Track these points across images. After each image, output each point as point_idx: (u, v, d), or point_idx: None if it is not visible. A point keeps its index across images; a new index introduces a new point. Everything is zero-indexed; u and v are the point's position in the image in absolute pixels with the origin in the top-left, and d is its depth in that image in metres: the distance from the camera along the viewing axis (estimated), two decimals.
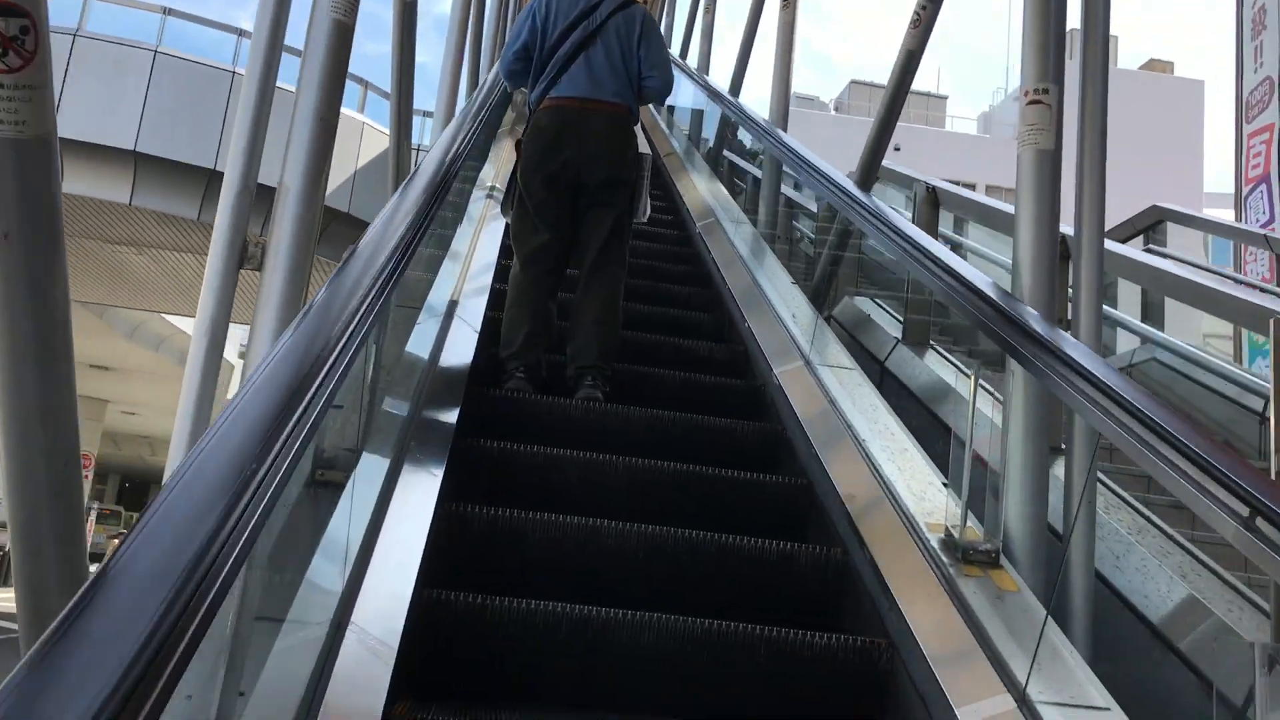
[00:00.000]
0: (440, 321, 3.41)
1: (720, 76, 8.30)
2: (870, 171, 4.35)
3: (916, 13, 4.10)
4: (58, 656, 0.77)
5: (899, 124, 4.59)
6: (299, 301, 2.41)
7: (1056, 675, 1.92)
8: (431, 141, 4.94)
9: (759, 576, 2.58)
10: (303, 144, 2.46)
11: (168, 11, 11.53)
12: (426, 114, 9.13)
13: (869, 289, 4.90)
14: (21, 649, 1.61)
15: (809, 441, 3.00)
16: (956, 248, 5.04)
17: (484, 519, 2.54)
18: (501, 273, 4.10)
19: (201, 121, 10.43)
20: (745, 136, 7.32)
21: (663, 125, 8.98)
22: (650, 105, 9.67)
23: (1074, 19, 2.85)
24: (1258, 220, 13.56)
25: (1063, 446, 2.63)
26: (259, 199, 2.58)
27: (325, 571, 1.91)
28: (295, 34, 2.70)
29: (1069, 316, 2.89)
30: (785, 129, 5.68)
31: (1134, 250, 4.60)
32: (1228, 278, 6.53)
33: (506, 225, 4.51)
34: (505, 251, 4.32)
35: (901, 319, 4.33)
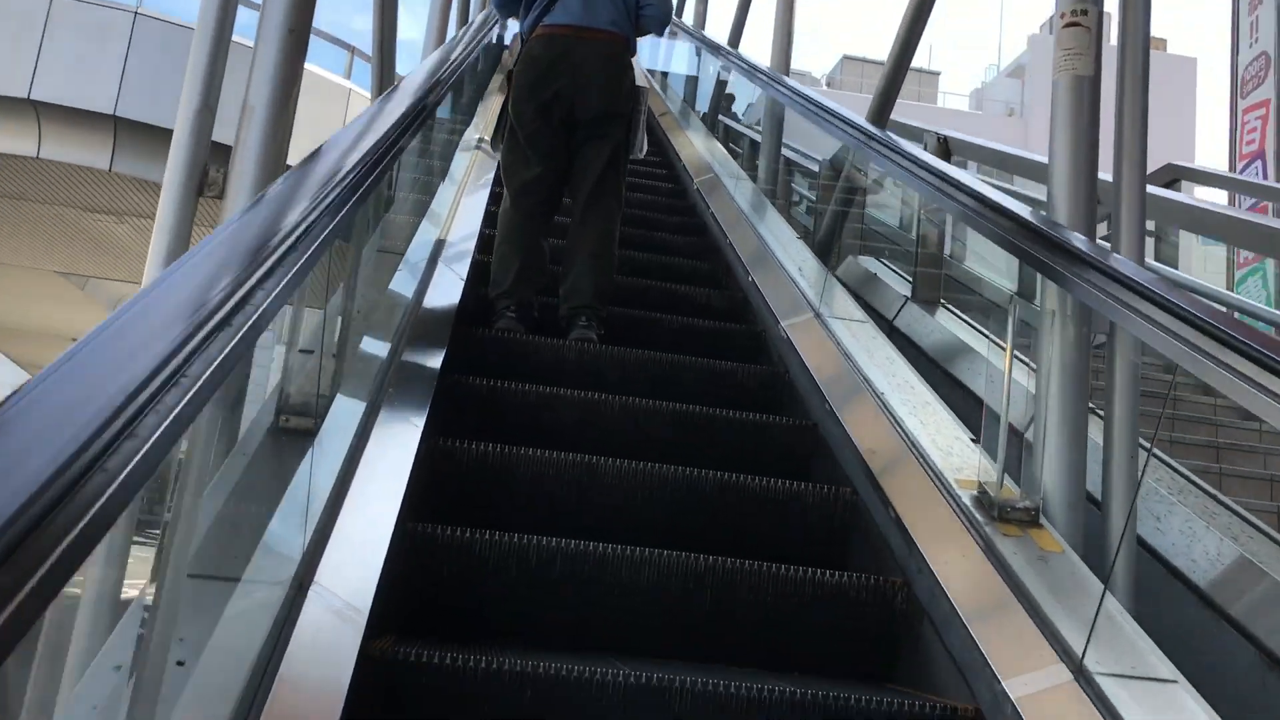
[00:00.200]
0: (425, 263, 3.24)
1: (717, 37, 8.09)
2: (883, 115, 4.17)
3: None
4: None
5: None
6: None
7: (1115, 644, 1.73)
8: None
9: (765, 520, 2.44)
10: (270, 58, 2.22)
11: None
12: None
13: (874, 247, 4.74)
14: None
15: (823, 396, 2.80)
16: None
17: (472, 455, 2.38)
18: (490, 219, 3.94)
19: (183, 85, 10.16)
20: (743, 94, 7.16)
21: (657, 87, 8.79)
22: (644, 68, 9.56)
23: None
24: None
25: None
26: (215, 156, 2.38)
27: (290, 524, 1.74)
28: None
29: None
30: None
31: (1169, 192, 4.47)
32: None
33: (495, 175, 4.37)
34: (494, 200, 4.15)
35: (910, 277, 4.16)
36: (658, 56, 9.91)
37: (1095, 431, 2.33)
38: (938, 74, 28.78)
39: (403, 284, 2.89)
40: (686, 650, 2.08)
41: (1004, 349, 2.33)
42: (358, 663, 1.53)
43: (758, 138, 6.19)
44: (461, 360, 2.92)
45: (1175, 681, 1.67)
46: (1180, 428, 3.77)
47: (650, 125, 6.16)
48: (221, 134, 2.32)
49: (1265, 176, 14.13)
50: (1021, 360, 2.51)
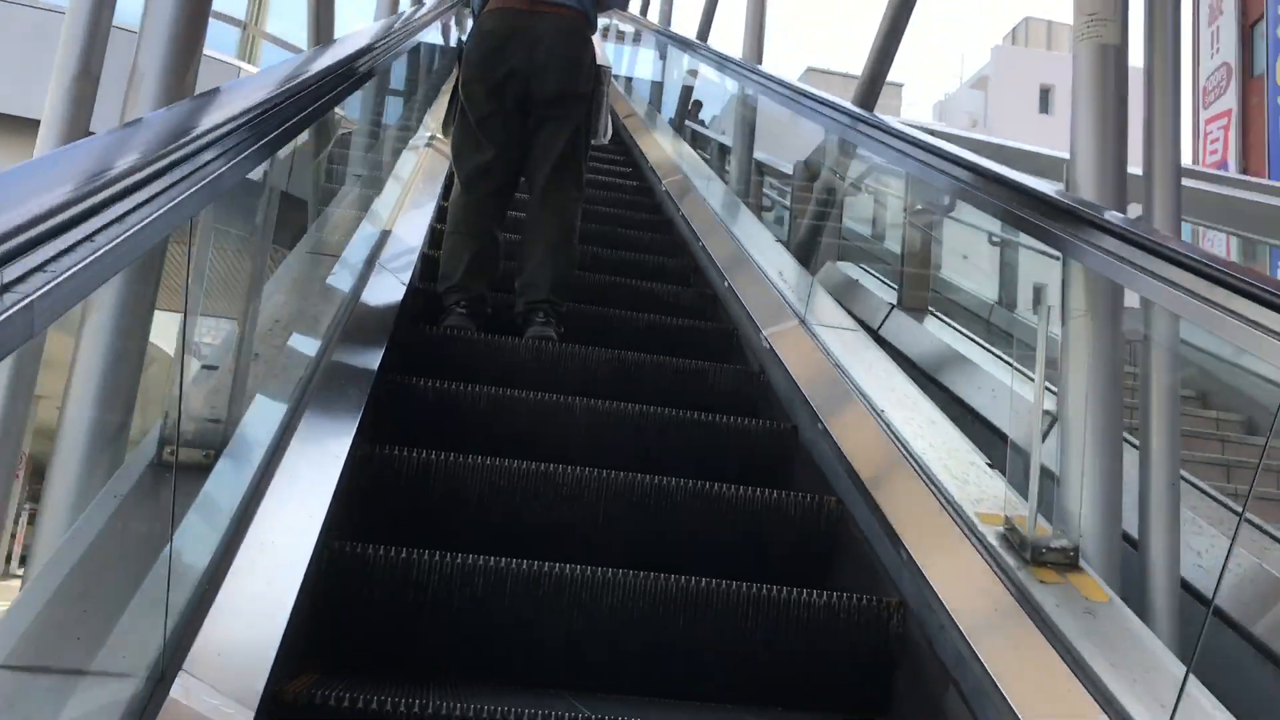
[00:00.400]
0: (365, 258, 2.95)
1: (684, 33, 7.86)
2: (869, 100, 3.94)
3: None
4: None
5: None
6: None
7: None
8: None
9: (743, 537, 2.18)
10: (165, 12, 1.83)
11: None
12: None
13: (854, 252, 4.52)
14: None
15: (815, 414, 2.47)
16: None
17: (412, 464, 2.11)
18: (441, 214, 3.67)
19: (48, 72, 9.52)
20: (711, 98, 6.92)
21: (620, 89, 8.56)
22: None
23: None
24: None
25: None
26: None
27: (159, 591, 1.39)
28: None
29: None
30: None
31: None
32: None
33: (448, 170, 4.10)
34: (446, 194, 3.87)
35: (895, 283, 3.90)
36: (621, 62, 9.70)
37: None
38: (901, 85, 28.86)
39: (338, 280, 2.61)
40: (654, 686, 1.81)
41: (1011, 361, 2.09)
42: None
43: (727, 142, 5.97)
44: (404, 360, 2.64)
45: None
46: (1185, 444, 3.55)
47: (615, 127, 5.88)
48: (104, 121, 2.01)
49: None
50: (1021, 371, 2.29)
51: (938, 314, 3.53)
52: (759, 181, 5.30)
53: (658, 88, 8.16)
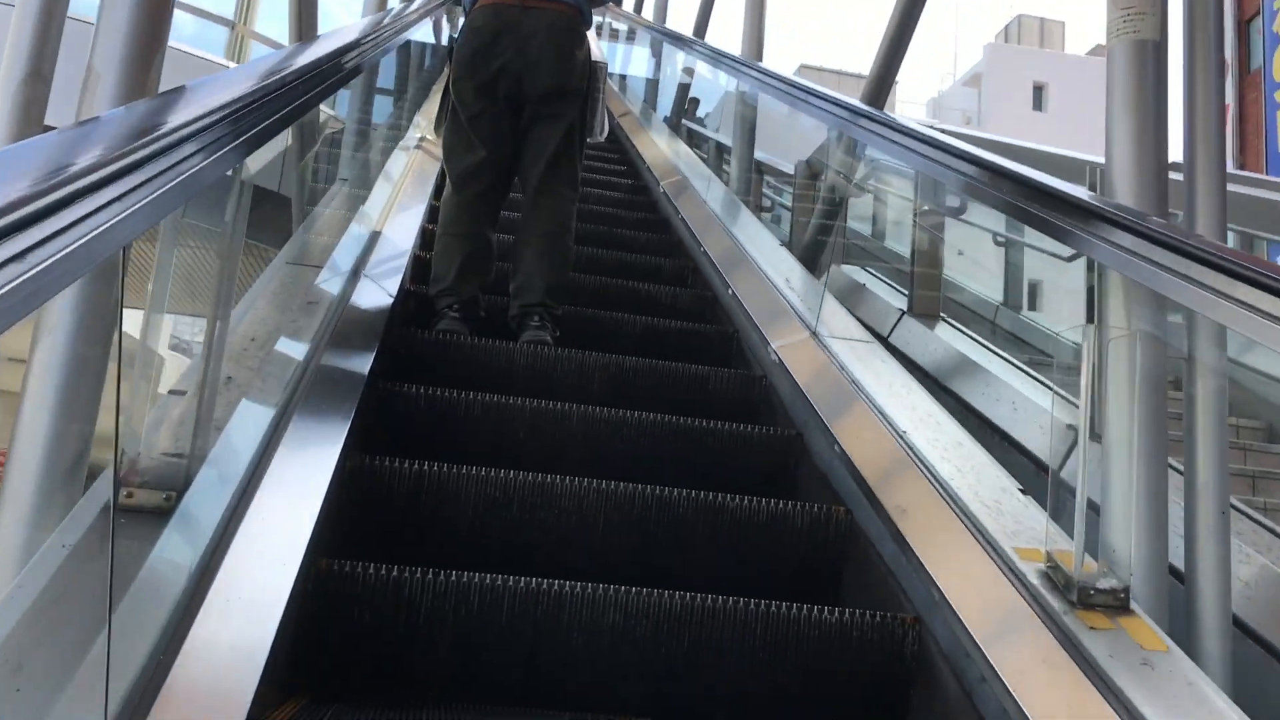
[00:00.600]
0: (354, 260, 2.86)
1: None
2: (878, 99, 3.83)
3: None
4: None
5: None
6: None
7: None
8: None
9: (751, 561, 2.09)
10: (123, 8, 1.70)
11: None
12: None
13: (859, 256, 4.37)
14: None
15: (831, 436, 2.29)
16: None
17: (404, 476, 2.02)
18: (433, 214, 3.57)
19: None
20: (708, 96, 6.82)
21: (615, 88, 8.47)
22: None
23: None
24: None
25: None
26: None
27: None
28: None
29: None
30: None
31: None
32: None
33: (440, 171, 4.01)
34: (437, 195, 3.78)
35: (905, 288, 3.73)
36: (615, 60, 9.61)
37: None
38: (895, 84, 28.82)
39: (325, 284, 2.52)
40: (659, 708, 1.72)
41: (1042, 379, 1.97)
42: None
43: (725, 141, 5.87)
44: (395, 366, 2.56)
45: None
46: None
47: (610, 126, 5.76)
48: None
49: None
50: (1052, 389, 2.19)
51: (950, 320, 3.40)
52: (759, 181, 5.21)
53: (653, 86, 8.09)
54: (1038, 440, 2.26)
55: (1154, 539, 1.74)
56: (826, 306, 2.93)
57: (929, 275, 3.48)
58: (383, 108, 4.65)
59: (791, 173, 4.73)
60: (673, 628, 1.73)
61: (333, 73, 2.08)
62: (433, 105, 5.41)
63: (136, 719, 1.16)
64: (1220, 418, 1.85)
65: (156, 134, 1.05)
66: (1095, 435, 1.82)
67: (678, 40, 6.80)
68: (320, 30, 4.23)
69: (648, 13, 9.52)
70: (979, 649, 1.55)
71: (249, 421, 1.75)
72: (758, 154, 5.10)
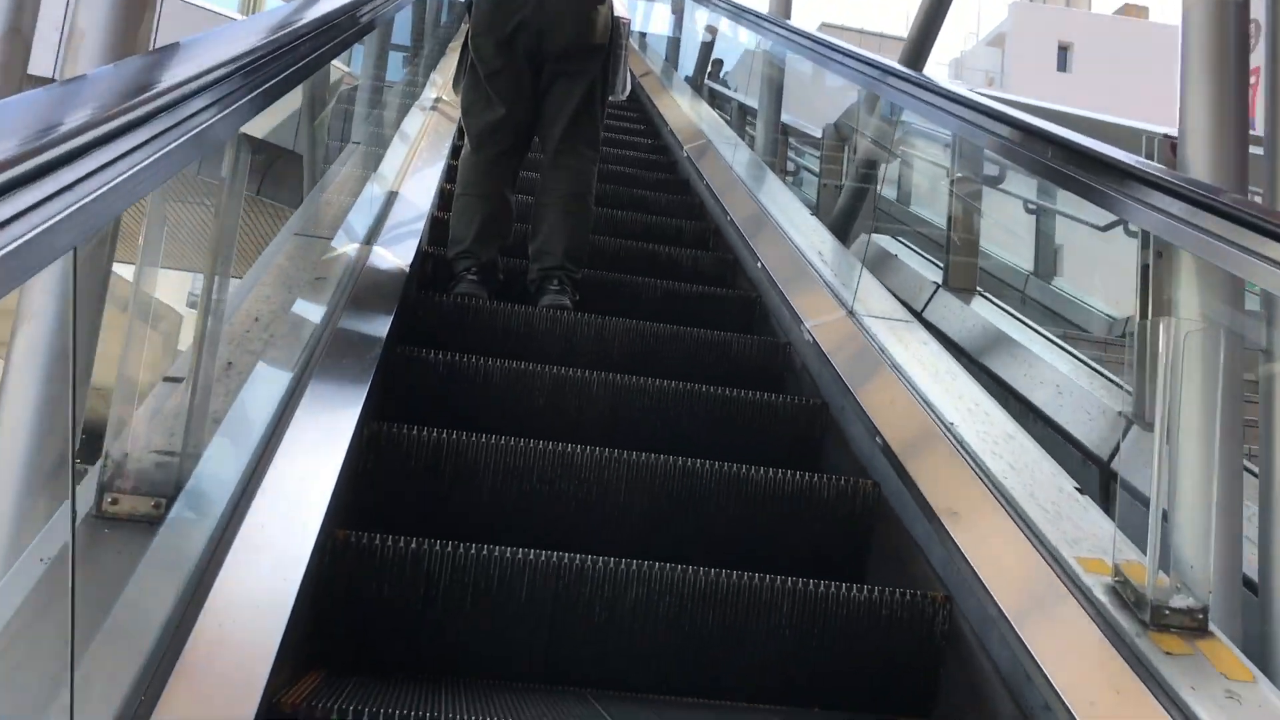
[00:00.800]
0: (371, 221, 2.80)
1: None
2: (917, 62, 3.67)
3: None
4: None
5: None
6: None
7: None
8: None
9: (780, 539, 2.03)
10: None
11: None
12: None
13: (893, 226, 4.17)
14: None
15: (871, 425, 2.14)
16: None
17: (422, 444, 1.97)
18: (450, 174, 3.50)
19: None
20: (732, 56, 6.67)
21: (635, 45, 8.33)
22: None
23: None
24: None
25: None
26: None
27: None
28: None
29: None
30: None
31: None
32: None
33: (457, 128, 3.93)
34: (455, 154, 3.70)
35: (940, 260, 3.52)
36: (635, 17, 9.43)
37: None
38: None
39: (341, 245, 2.46)
40: (682, 685, 1.69)
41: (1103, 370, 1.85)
42: None
43: (749, 103, 5.72)
44: (413, 330, 2.51)
45: None
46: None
47: (633, 87, 5.65)
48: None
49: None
50: (1088, 365, 2.07)
51: (988, 296, 3.23)
52: (784, 145, 5.05)
53: (674, 44, 7.95)
54: (1084, 427, 2.15)
55: (1229, 550, 1.63)
56: (862, 283, 2.78)
57: (965, 246, 3.31)
58: (399, 65, 4.57)
59: (819, 136, 4.61)
60: (697, 604, 1.69)
61: (347, 26, 2.00)
62: (450, 64, 5.32)
63: (150, 694, 1.13)
64: None
65: (156, 90, 0.98)
66: (1146, 424, 1.74)
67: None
68: None
69: None
70: (1042, 673, 1.41)
71: (263, 388, 1.70)
72: (784, 117, 4.96)
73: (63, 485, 1.33)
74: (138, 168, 0.97)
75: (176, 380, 1.35)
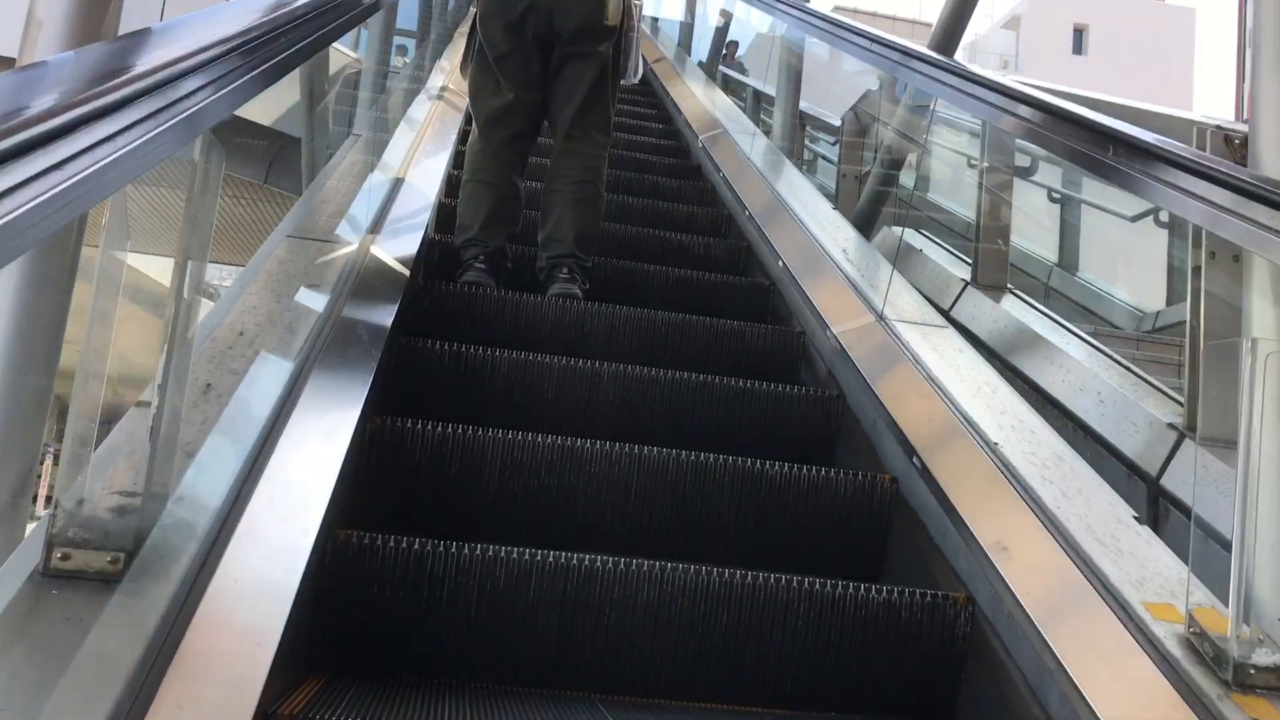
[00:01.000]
0: (377, 208, 2.74)
1: None
2: (950, 42, 3.52)
3: None
4: None
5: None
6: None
7: None
8: None
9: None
10: None
11: None
12: None
13: (916, 220, 3.93)
14: None
15: (909, 445, 1.98)
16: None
17: (427, 439, 1.92)
18: (458, 159, 3.44)
19: None
20: (747, 38, 6.54)
21: (647, 30, 8.23)
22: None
23: None
24: None
25: None
26: None
27: None
28: None
29: None
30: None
31: None
32: None
33: (465, 113, 3.87)
34: (463, 140, 3.64)
35: (968, 256, 3.33)
36: (646, 2, 9.33)
37: None
38: (929, 26, 28.16)
39: (346, 233, 2.40)
40: (694, 690, 1.63)
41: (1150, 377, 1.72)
42: None
43: (763, 88, 5.58)
44: (418, 320, 2.45)
45: None
46: None
47: (645, 73, 5.50)
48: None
49: None
50: (1131, 371, 1.92)
51: (1019, 294, 3.04)
52: (803, 135, 4.88)
53: (687, 29, 7.84)
54: (1129, 439, 2.01)
55: None
56: (894, 286, 2.61)
57: (995, 242, 3.13)
58: (406, 51, 4.49)
59: (837, 124, 4.48)
60: (711, 606, 1.63)
61: (349, 7, 1.93)
62: (458, 49, 5.25)
63: (140, 702, 1.07)
64: None
65: (137, 72, 0.92)
66: (1201, 438, 1.63)
67: None
68: None
69: None
70: None
71: (261, 379, 1.64)
72: (802, 104, 4.80)
73: (21, 517, 1.20)
74: (119, 153, 0.91)
75: (147, 404, 1.18)
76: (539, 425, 2.03)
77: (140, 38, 1.05)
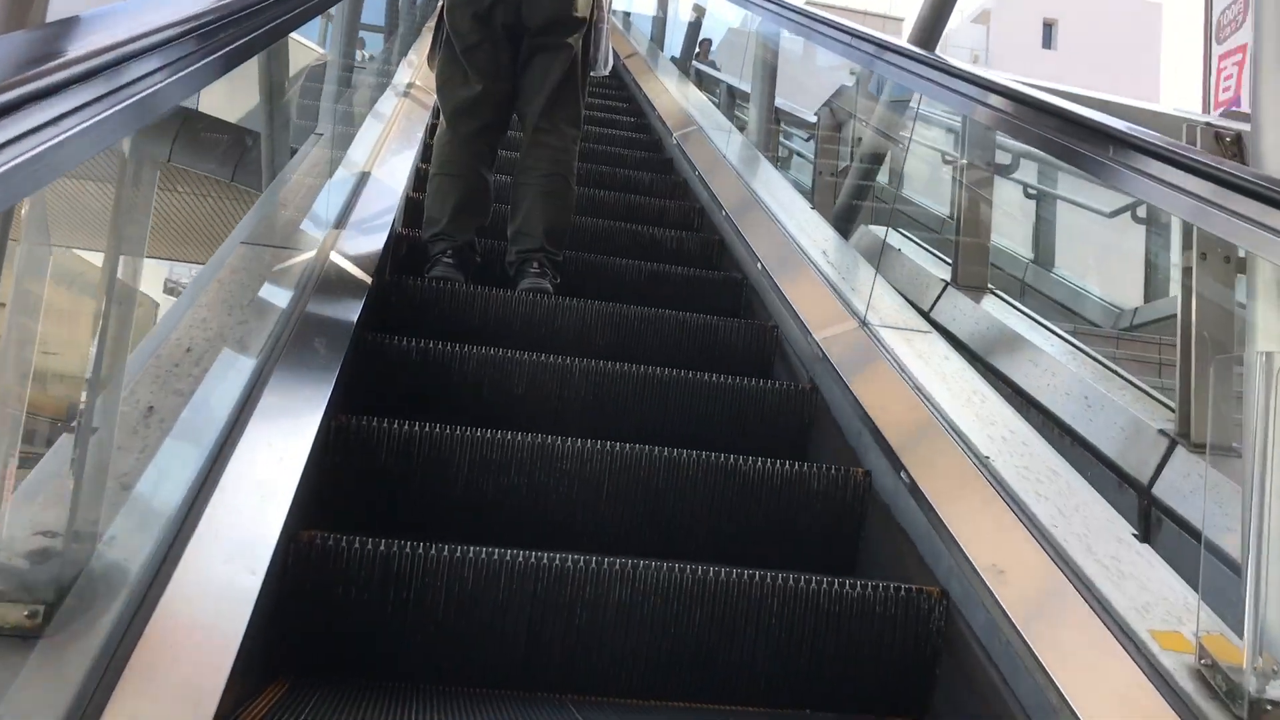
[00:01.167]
0: (342, 202, 2.69)
1: None
2: (930, 38, 3.46)
3: None
4: None
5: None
6: None
7: None
8: None
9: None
10: None
11: None
12: None
13: (893, 216, 3.80)
14: None
15: (896, 459, 1.89)
16: None
17: (394, 438, 1.88)
18: (426, 153, 3.39)
19: None
20: (720, 33, 6.50)
21: (619, 25, 8.19)
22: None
23: None
24: None
25: None
26: None
27: None
28: None
29: None
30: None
31: None
32: None
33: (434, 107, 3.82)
34: (431, 133, 3.58)
35: (944, 255, 3.27)
36: None
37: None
38: (901, 20, 28.22)
39: (310, 228, 2.35)
40: (667, 690, 1.60)
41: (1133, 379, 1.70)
42: None
43: (738, 84, 5.51)
44: (385, 316, 2.41)
45: None
46: None
47: (616, 69, 5.42)
48: None
49: None
50: (1120, 375, 1.85)
51: (1000, 294, 2.96)
52: (778, 132, 4.81)
53: (660, 24, 7.80)
54: (1118, 446, 1.93)
55: None
56: (876, 290, 2.51)
57: (975, 241, 3.04)
58: (373, 44, 4.43)
59: (813, 120, 4.43)
60: (684, 604, 1.60)
61: None
62: (425, 44, 5.19)
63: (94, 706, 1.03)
64: None
65: (79, 54, 0.88)
66: (1194, 445, 1.58)
67: None
68: None
69: None
70: None
71: (222, 376, 1.60)
72: (778, 101, 4.73)
73: None
74: (61, 138, 0.87)
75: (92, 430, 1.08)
76: (509, 422, 2.00)
77: (80, 21, 1.00)
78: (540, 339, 2.51)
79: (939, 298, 2.96)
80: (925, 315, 2.64)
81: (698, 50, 7.29)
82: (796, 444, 2.32)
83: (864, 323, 2.39)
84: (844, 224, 3.44)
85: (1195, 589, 1.38)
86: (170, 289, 15.83)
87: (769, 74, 4.54)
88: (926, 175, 4.05)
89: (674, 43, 7.37)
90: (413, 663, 1.54)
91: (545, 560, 1.58)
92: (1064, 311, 4.05)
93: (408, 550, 1.55)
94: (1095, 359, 2.40)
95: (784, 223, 3.13)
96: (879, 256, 2.83)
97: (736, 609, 1.62)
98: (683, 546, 1.92)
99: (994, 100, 2.24)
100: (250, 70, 2.43)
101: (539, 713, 1.46)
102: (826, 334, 2.43)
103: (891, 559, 1.86)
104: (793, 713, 1.62)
